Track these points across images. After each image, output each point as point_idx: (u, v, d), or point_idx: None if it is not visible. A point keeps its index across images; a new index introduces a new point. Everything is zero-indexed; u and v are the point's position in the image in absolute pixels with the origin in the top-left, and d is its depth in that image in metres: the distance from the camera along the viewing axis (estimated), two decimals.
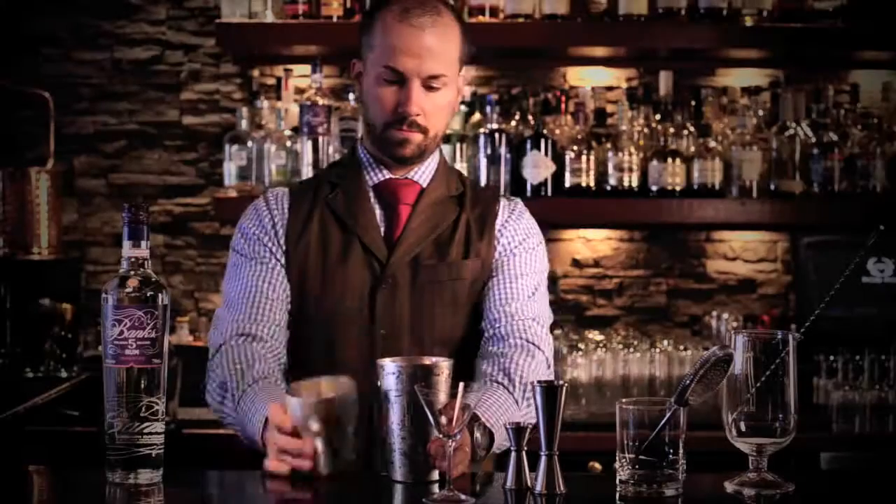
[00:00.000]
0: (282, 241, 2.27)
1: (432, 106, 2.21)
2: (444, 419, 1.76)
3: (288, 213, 2.29)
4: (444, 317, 2.24)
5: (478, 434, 1.98)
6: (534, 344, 2.23)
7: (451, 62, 2.23)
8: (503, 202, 2.36)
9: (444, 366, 1.87)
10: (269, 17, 3.69)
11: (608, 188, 3.72)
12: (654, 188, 3.70)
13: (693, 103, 3.81)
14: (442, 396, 1.81)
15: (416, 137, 2.23)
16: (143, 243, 1.86)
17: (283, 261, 2.26)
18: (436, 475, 1.87)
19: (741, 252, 4.05)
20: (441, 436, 1.77)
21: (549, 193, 3.67)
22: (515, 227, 2.33)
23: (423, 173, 2.31)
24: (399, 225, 2.26)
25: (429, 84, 2.20)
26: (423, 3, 2.21)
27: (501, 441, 2.00)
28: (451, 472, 1.76)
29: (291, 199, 2.31)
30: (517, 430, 1.82)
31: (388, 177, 2.29)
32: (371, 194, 2.29)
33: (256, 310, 2.23)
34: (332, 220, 2.27)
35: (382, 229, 2.27)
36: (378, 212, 2.28)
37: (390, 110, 2.21)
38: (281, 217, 2.29)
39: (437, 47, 2.19)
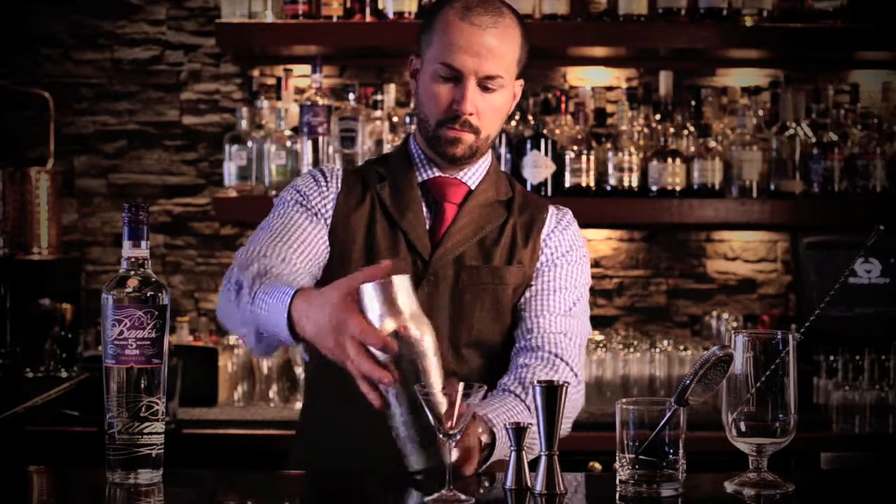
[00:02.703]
0: (330, 212, 2.23)
1: (486, 106, 2.18)
2: (445, 419, 1.76)
3: (342, 189, 2.26)
4: (483, 321, 2.21)
5: (480, 430, 1.97)
6: (560, 358, 2.17)
7: (509, 64, 2.19)
8: (552, 210, 2.32)
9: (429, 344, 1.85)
10: (269, 17, 3.69)
11: (608, 188, 3.72)
12: (654, 188, 3.70)
13: (693, 103, 3.81)
14: (434, 376, 1.81)
15: (468, 137, 2.19)
16: (143, 243, 1.86)
17: (328, 226, 2.22)
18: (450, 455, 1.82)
19: (741, 252, 4.05)
20: (441, 436, 1.77)
21: (549, 193, 3.67)
22: (560, 238, 2.29)
23: (473, 174, 2.28)
24: (444, 223, 2.24)
25: (485, 84, 2.16)
26: (485, 1, 2.18)
27: (506, 448, 1.93)
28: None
29: (344, 178, 2.28)
30: (517, 430, 1.82)
31: (437, 175, 2.27)
32: (419, 191, 2.26)
33: (289, 249, 2.15)
34: (379, 210, 2.24)
35: (427, 226, 2.24)
36: (424, 209, 2.25)
37: (444, 108, 2.17)
38: (335, 190, 2.25)
39: (497, 47, 2.16)
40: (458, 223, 2.23)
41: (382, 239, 2.21)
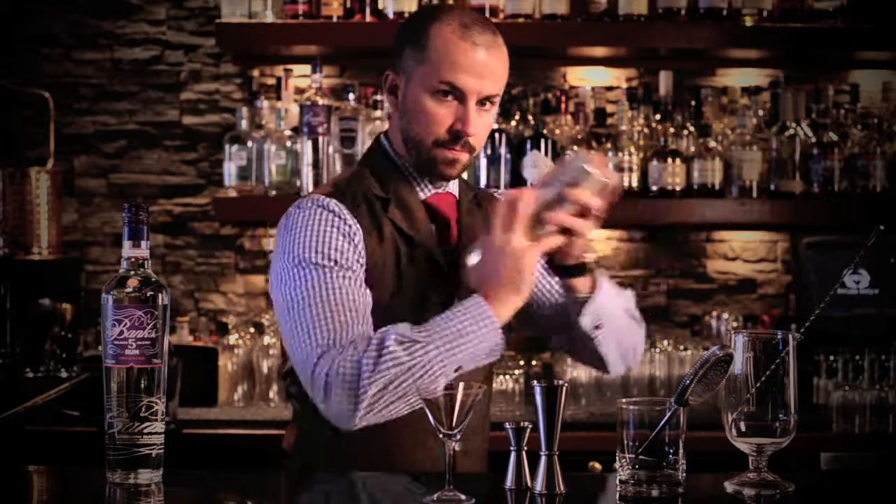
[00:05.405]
0: (362, 252, 2.12)
1: (482, 125, 2.16)
2: (446, 417, 1.76)
3: (359, 224, 2.14)
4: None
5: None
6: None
7: (503, 82, 2.18)
8: (496, 195, 2.36)
9: None
10: (269, 17, 3.69)
11: None
12: (654, 188, 3.70)
13: (693, 103, 3.81)
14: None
15: (465, 157, 2.16)
16: (143, 243, 1.86)
17: (363, 271, 2.11)
18: None
19: (741, 252, 4.05)
20: (441, 436, 1.77)
21: None
22: None
23: (453, 183, 2.26)
24: (451, 238, 2.21)
25: (482, 103, 2.14)
26: (477, 20, 2.15)
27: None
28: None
29: (353, 212, 2.15)
30: (517, 430, 1.82)
31: (433, 191, 2.22)
32: (423, 209, 2.21)
33: (366, 320, 2.04)
34: (399, 236, 2.17)
35: (436, 243, 2.21)
36: (431, 227, 2.21)
37: (445, 128, 2.13)
38: (356, 228, 2.13)
39: (496, 67, 2.14)
40: (464, 235, 2.22)
41: (410, 264, 2.15)
